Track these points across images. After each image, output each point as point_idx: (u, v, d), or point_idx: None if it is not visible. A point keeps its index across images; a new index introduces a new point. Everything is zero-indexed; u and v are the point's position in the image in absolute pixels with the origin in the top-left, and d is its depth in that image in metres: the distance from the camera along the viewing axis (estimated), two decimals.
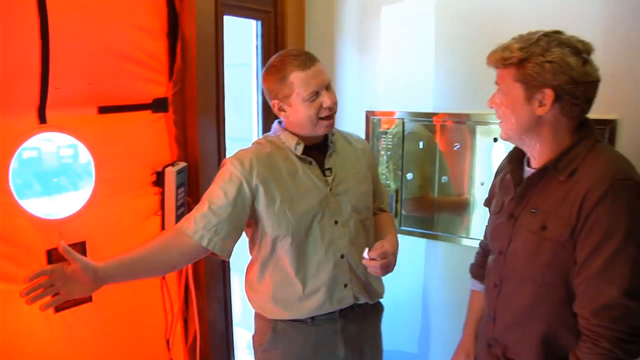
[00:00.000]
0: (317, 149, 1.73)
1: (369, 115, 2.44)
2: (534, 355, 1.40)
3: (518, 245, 1.43)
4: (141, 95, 1.87)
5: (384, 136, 2.42)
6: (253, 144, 1.75)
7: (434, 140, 2.29)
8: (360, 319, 1.80)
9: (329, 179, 1.72)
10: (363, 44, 2.45)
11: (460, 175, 2.26)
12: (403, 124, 2.35)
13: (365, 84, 2.47)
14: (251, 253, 1.78)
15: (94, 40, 1.66)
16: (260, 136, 1.90)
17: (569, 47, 1.27)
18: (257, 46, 2.43)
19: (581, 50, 1.28)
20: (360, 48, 2.46)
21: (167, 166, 1.91)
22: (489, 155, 2.18)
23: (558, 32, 1.31)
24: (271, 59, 1.70)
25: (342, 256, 1.71)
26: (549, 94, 1.28)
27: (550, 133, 1.35)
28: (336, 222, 1.71)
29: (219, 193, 1.61)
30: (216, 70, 2.08)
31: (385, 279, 2.35)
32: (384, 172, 2.43)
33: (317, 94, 1.63)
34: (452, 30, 2.20)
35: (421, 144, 2.33)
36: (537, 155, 1.41)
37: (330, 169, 1.73)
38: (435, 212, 2.33)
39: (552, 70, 1.26)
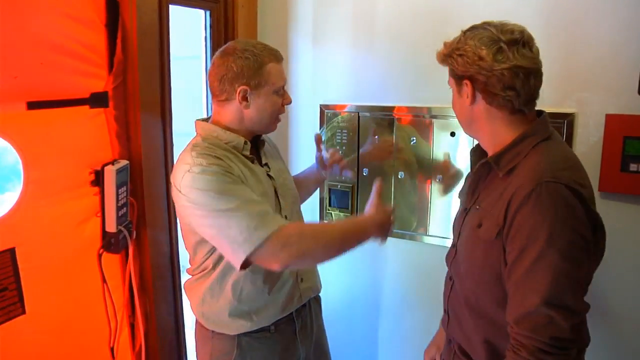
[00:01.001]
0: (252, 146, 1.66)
1: (324, 108, 2.37)
2: (482, 357, 1.36)
3: (463, 241, 1.41)
4: (78, 90, 1.75)
5: (339, 131, 2.34)
6: (197, 147, 1.54)
7: (390, 135, 2.23)
8: (309, 314, 1.81)
9: (271, 174, 1.68)
10: (318, 36, 2.37)
11: (419, 170, 2.21)
12: (358, 117, 2.28)
13: (319, 77, 2.39)
14: (198, 264, 1.65)
15: (18, 30, 1.53)
16: None
17: (485, 39, 1.25)
18: (205, 37, 2.32)
19: (501, 40, 1.23)
20: (314, 40, 2.38)
21: (106, 165, 1.80)
22: (447, 149, 2.13)
23: (486, 23, 1.29)
24: (233, 45, 1.58)
25: None
26: (468, 85, 1.30)
27: (487, 125, 1.33)
28: (286, 217, 1.67)
29: (243, 191, 1.48)
30: (160, 63, 1.97)
31: (343, 277, 2.30)
32: None
33: (283, 88, 1.62)
34: (411, 23, 2.14)
35: (377, 139, 2.26)
36: (487, 149, 1.38)
37: (267, 164, 1.69)
38: (393, 209, 2.26)
39: (463, 62, 1.28)
